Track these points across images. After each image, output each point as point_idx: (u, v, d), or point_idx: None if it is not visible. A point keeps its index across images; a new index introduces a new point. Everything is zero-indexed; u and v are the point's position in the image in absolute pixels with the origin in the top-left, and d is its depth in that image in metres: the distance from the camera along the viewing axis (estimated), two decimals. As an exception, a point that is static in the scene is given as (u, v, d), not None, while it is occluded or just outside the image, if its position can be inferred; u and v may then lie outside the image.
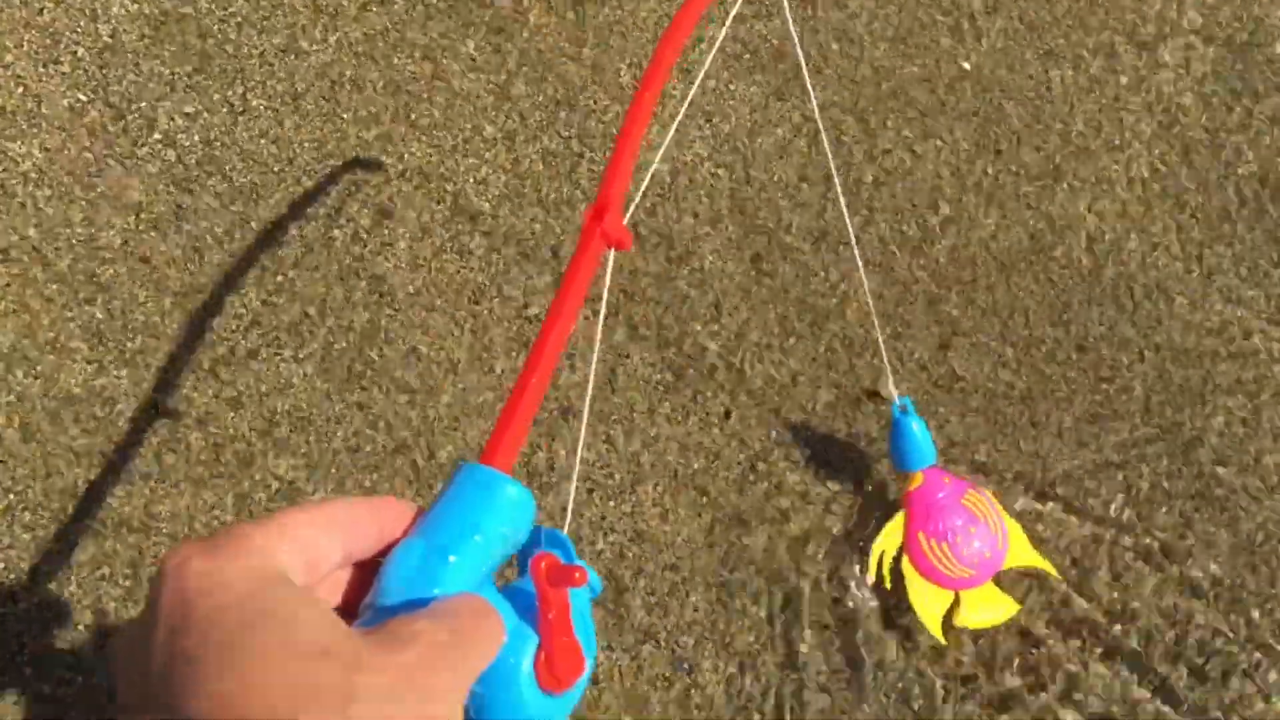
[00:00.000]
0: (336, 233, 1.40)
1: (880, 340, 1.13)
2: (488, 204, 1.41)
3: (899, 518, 1.07)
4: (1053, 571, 1.11)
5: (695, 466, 1.23)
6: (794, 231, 1.42)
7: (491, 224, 1.40)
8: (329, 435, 1.26)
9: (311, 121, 1.48)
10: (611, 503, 1.19)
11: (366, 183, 1.44)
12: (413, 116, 1.49)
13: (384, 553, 0.35)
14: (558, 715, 0.37)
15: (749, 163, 1.47)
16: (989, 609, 1.06)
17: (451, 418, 1.27)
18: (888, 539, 1.07)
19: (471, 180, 1.44)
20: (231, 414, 1.27)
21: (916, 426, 1.04)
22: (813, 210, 1.44)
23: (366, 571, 0.35)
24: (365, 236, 1.40)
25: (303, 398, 1.28)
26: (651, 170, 0.61)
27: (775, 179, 1.46)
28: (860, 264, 1.13)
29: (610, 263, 0.47)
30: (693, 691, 1.10)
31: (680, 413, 1.26)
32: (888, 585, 1.07)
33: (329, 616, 0.30)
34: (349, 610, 0.34)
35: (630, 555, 1.18)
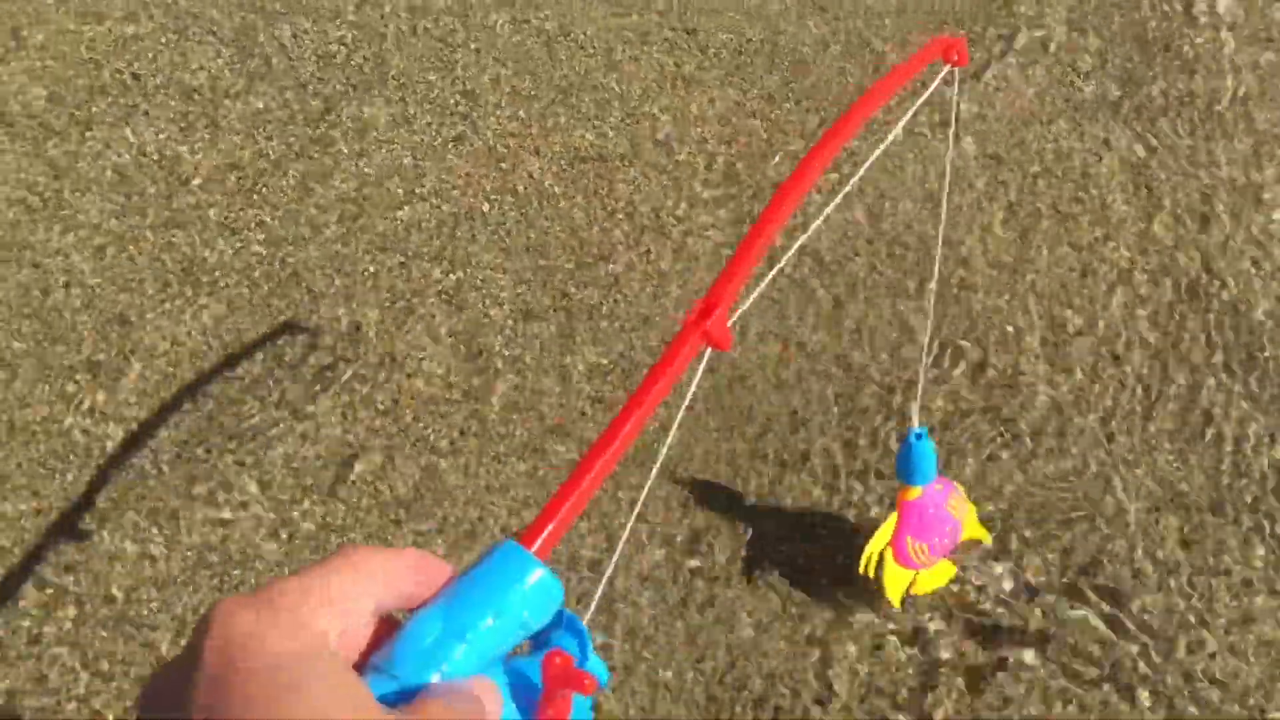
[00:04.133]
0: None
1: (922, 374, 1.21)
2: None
3: (891, 520, 1.19)
4: (987, 539, 1.29)
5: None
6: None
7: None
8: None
9: None
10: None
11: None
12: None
13: (412, 608, 0.37)
14: None
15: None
16: (939, 577, 1.25)
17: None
18: (878, 541, 1.20)
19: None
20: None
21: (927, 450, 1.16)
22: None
23: (387, 620, 0.37)
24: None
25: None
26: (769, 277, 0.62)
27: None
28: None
29: (704, 361, 0.48)
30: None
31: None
32: (871, 576, 1.21)
33: (362, 692, 0.32)
34: (365, 660, 0.36)
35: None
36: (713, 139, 1.64)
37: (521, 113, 1.67)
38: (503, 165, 1.61)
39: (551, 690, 0.37)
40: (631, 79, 1.72)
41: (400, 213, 1.55)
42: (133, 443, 1.34)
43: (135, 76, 1.62)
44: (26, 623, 1.19)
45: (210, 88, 1.63)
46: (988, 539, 1.29)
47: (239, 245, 1.51)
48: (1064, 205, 1.53)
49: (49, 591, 1.21)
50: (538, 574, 0.37)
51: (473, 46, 1.73)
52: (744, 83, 1.70)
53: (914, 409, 1.16)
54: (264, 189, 1.55)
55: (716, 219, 1.56)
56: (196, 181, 1.55)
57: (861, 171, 0.73)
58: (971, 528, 1.26)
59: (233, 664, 0.29)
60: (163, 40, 1.66)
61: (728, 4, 1.80)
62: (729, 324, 0.47)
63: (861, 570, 1.20)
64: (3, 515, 1.27)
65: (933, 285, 1.20)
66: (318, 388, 1.39)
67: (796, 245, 0.65)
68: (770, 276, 0.64)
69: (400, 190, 1.58)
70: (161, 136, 1.58)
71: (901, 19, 1.79)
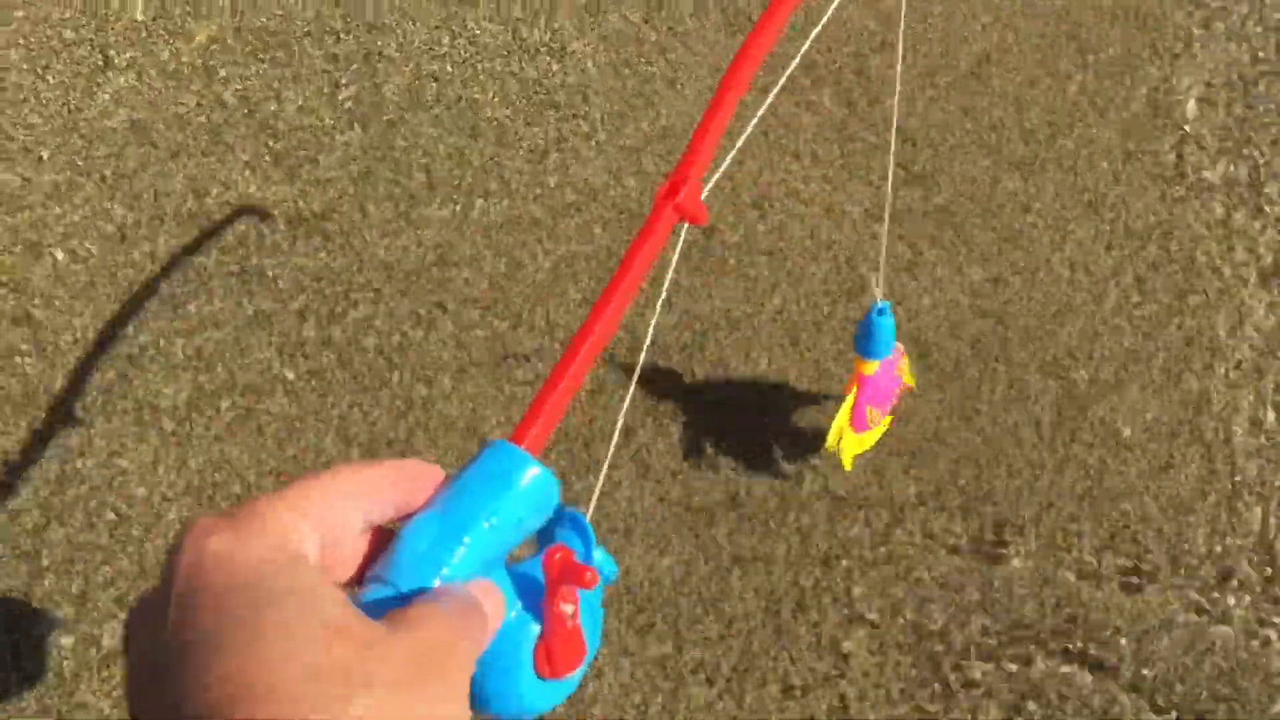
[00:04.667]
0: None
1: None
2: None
3: (850, 396, 1.21)
4: (914, 383, 1.33)
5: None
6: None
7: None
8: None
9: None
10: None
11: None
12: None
13: (406, 517, 0.35)
14: (552, 699, 0.37)
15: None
16: (879, 432, 1.28)
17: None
18: (843, 418, 1.22)
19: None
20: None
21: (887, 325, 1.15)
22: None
23: (385, 533, 0.35)
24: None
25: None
26: (735, 149, 0.61)
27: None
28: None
29: (681, 237, 0.46)
30: None
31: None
32: (837, 449, 1.25)
33: (342, 599, 0.30)
34: (364, 573, 0.35)
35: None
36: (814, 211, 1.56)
37: (621, 167, 1.60)
38: (600, 207, 1.54)
39: (555, 586, 0.35)
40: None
41: (474, 270, 1.49)
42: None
43: (222, 103, 1.57)
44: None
45: (299, 123, 1.58)
46: (914, 382, 1.33)
47: (315, 288, 1.46)
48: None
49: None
50: (533, 471, 0.36)
51: (573, 91, 1.66)
52: (859, 171, 1.62)
53: (877, 281, 1.13)
54: (352, 237, 1.50)
55: (813, 289, 1.48)
56: (282, 224, 1.50)
57: (815, 34, 0.72)
58: (907, 377, 1.29)
59: (205, 581, 0.29)
60: (252, 70, 1.61)
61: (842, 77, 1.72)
62: (701, 196, 0.45)
63: (831, 448, 1.24)
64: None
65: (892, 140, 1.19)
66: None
67: (760, 112, 0.65)
68: (737, 147, 0.63)
69: (483, 245, 1.51)
70: (248, 174, 1.53)
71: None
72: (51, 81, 1.55)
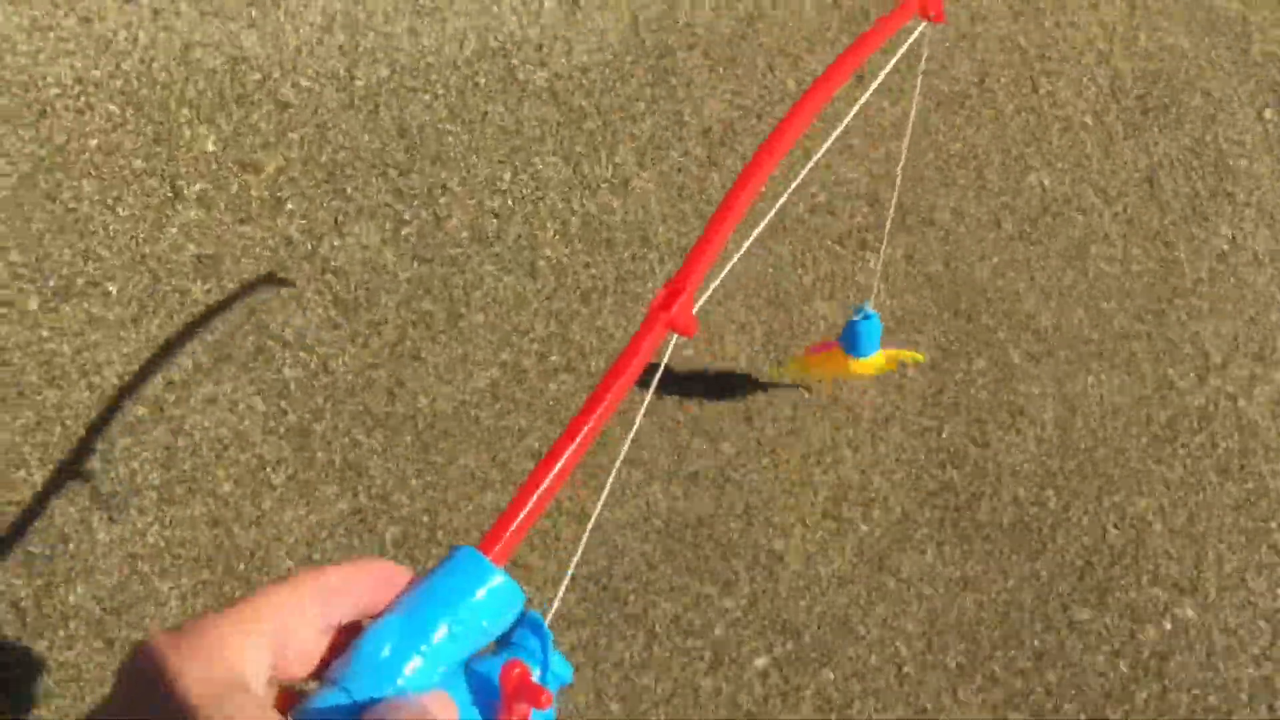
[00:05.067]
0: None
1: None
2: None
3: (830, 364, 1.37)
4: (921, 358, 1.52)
5: None
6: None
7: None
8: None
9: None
10: None
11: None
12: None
13: (371, 616, 0.36)
14: None
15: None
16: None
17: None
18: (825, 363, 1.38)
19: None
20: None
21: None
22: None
23: (353, 626, 0.35)
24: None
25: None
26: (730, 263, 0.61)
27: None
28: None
29: (669, 348, 0.47)
30: None
31: None
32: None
33: None
34: (327, 665, 0.35)
35: None
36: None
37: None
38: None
39: (509, 704, 0.36)
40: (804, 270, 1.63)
41: (528, 420, 1.49)
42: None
43: (287, 239, 1.59)
44: None
45: (361, 259, 1.59)
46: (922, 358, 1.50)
47: (386, 441, 1.46)
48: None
49: None
50: (496, 581, 0.37)
51: (633, 228, 1.66)
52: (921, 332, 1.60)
53: (869, 300, 1.23)
54: (410, 383, 1.50)
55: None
56: (342, 370, 1.51)
57: (830, 141, 0.71)
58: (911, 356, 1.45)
59: (145, 708, 0.29)
60: (318, 203, 1.63)
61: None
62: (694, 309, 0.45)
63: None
64: None
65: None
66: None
67: (763, 224, 0.65)
68: (734, 260, 0.61)
69: (537, 395, 1.51)
70: (308, 314, 1.54)
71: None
72: (122, 214, 1.57)
